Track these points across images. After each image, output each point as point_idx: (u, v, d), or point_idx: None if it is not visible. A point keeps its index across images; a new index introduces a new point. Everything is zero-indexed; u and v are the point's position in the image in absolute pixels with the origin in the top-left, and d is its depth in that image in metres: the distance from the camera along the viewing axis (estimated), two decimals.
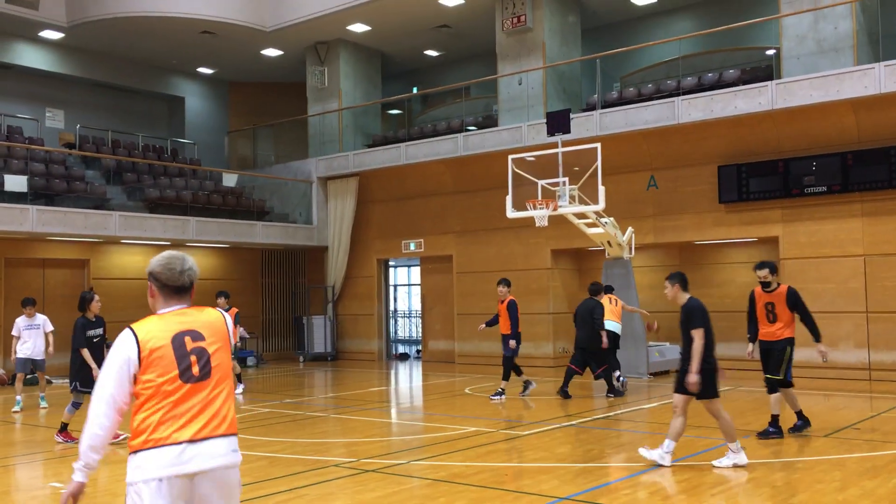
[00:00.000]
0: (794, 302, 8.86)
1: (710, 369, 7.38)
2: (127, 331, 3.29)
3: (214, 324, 3.43)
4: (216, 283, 21.02)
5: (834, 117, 14.45)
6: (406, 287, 26.56)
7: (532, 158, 14.11)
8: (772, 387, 8.85)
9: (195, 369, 3.27)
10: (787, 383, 8.91)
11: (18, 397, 12.61)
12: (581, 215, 14.02)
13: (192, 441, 3.17)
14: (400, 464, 7.94)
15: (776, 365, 8.85)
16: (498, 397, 12.41)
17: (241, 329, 20.17)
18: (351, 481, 7.22)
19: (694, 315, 7.46)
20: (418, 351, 22.15)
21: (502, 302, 12.50)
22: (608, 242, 15.03)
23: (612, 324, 13.06)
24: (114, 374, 3.22)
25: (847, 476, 6.99)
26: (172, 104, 25.12)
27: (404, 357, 21.81)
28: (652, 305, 16.93)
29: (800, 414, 9.00)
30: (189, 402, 3.22)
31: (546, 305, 18.07)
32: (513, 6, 18.57)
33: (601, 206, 13.14)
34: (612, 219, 14.57)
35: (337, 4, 19.61)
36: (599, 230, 14.45)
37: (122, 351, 3.24)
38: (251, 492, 6.73)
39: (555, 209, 13.25)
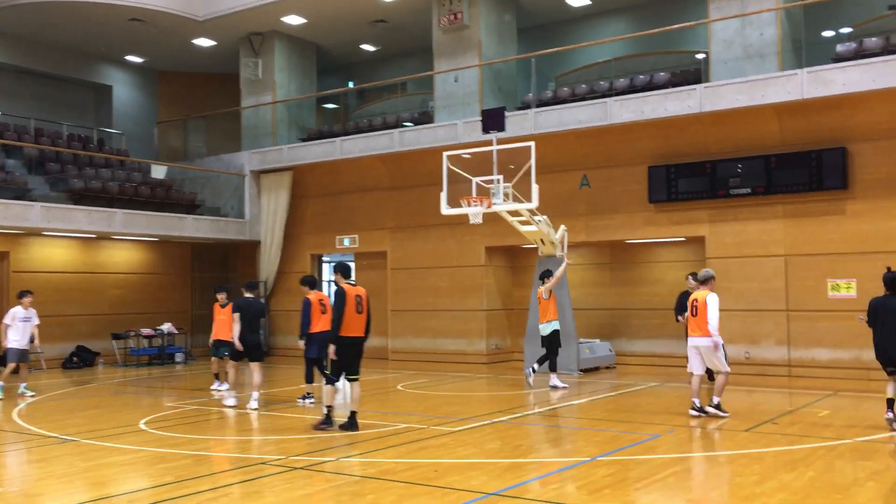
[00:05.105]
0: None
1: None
2: None
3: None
4: (144, 276, 20.52)
5: (758, 121, 14.88)
6: None
7: (467, 156, 14.14)
8: (327, 380, 9.53)
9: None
10: (329, 379, 9.50)
11: (2, 383, 12.91)
12: (515, 213, 14.12)
13: None
14: (329, 461, 7.87)
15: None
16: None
17: (169, 325, 19.78)
18: (279, 479, 7.12)
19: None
20: None
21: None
22: (541, 240, 15.18)
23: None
24: None
25: (765, 469, 7.20)
26: (100, 93, 24.37)
27: None
28: (584, 303, 17.22)
29: (328, 412, 9.46)
30: None
31: (480, 302, 18.16)
32: (449, 3, 18.58)
33: (535, 204, 13.26)
34: (545, 217, 14.72)
35: None
36: (533, 228, 14.59)
37: None
38: (171, 491, 6.58)
39: (489, 206, 13.32)
